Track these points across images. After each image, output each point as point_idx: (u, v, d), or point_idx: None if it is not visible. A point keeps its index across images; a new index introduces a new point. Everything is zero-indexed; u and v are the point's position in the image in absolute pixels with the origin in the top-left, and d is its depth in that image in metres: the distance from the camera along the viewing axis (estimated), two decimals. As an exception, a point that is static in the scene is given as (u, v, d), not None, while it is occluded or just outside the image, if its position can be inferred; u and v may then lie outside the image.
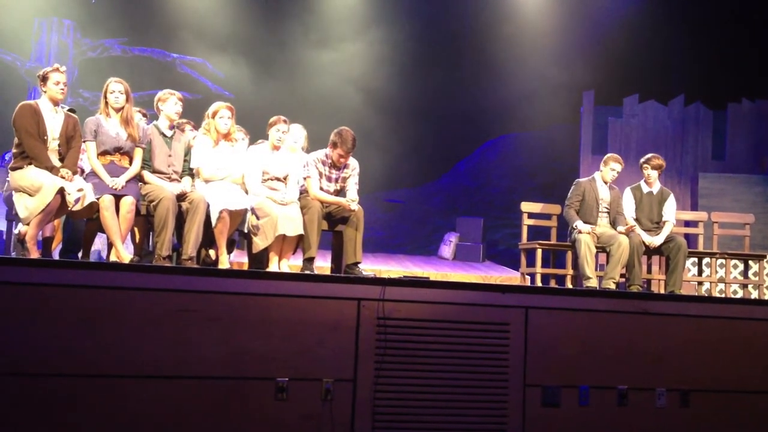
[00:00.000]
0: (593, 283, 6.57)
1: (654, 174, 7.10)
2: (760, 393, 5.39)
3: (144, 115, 6.35)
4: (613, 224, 6.93)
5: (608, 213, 6.99)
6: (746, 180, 11.28)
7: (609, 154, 7.17)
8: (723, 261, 7.85)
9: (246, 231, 6.03)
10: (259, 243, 5.71)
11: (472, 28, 15.08)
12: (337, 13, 14.17)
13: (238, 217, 5.73)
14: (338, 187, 6.11)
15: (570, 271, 7.27)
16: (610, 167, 7.00)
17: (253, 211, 5.78)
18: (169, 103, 5.81)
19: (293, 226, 5.71)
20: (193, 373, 4.44)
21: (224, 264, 5.64)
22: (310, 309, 4.64)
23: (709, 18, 13.70)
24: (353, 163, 6.14)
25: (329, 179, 6.05)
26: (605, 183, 7.03)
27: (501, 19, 14.10)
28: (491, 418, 4.88)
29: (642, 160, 7.23)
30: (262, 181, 5.92)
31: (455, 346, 4.86)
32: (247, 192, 6.11)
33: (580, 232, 6.71)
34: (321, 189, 6.00)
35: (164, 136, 5.79)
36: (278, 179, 5.96)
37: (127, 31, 13.95)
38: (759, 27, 13.27)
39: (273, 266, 5.71)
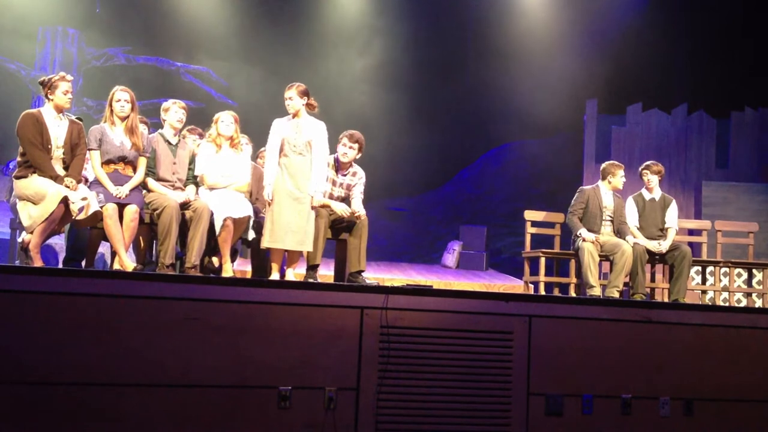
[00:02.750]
0: (597, 291, 6.56)
1: (655, 179, 7.09)
2: (764, 402, 5.37)
3: (145, 124, 6.37)
4: (618, 233, 6.92)
5: (612, 221, 6.98)
6: (750, 188, 11.26)
7: (609, 164, 7.12)
8: (727, 269, 7.83)
9: (249, 239, 6.03)
10: (263, 240, 5.65)
11: (475, 36, 15.11)
12: (340, 21, 14.21)
13: (241, 225, 5.74)
14: (343, 194, 6.11)
15: (573, 280, 7.27)
16: (620, 176, 7.00)
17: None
18: (172, 111, 5.85)
19: (298, 240, 5.57)
20: (196, 382, 4.44)
21: (228, 272, 5.65)
22: (313, 317, 4.65)
23: (712, 26, 13.71)
24: (360, 172, 6.15)
25: (333, 183, 6.06)
26: (616, 190, 7.02)
27: (504, 28, 14.12)
28: (494, 427, 4.86)
29: (641, 167, 7.22)
30: (281, 151, 5.64)
31: (458, 355, 4.85)
32: (251, 196, 6.10)
33: (584, 240, 6.70)
34: (327, 192, 5.99)
35: (169, 144, 5.82)
36: (301, 153, 5.64)
37: (131, 40, 13.99)
38: (762, 35, 13.26)
39: (275, 275, 5.70)
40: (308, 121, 5.72)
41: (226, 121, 5.93)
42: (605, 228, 6.94)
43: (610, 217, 6.97)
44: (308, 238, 5.61)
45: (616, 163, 7.11)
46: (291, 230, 5.55)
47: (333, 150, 6.07)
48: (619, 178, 7.00)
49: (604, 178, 7.06)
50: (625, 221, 6.97)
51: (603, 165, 7.15)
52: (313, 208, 5.65)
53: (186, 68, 14.31)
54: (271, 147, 5.67)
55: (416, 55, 15.21)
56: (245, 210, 5.66)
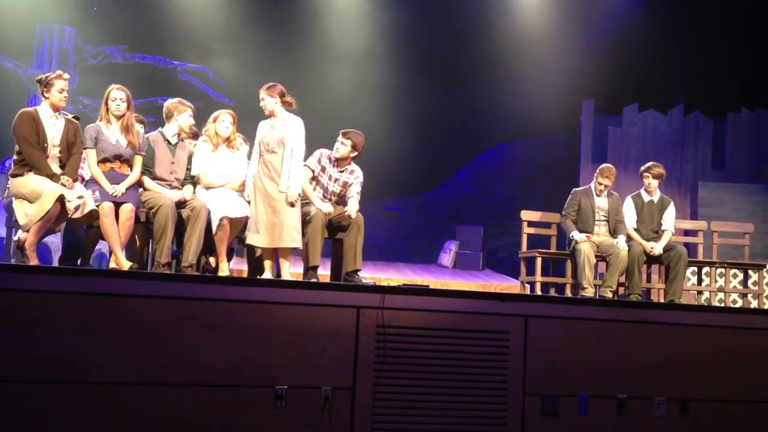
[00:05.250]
0: (589, 293, 6.55)
1: (654, 183, 7.08)
2: (759, 402, 5.38)
3: (142, 123, 6.36)
4: (613, 233, 6.92)
5: (607, 221, 6.97)
6: (746, 189, 11.27)
7: (602, 166, 7.10)
8: (722, 270, 7.84)
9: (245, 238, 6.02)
10: (250, 240, 5.68)
11: (473, 36, 15.12)
12: (337, 19, 14.20)
13: (238, 224, 5.73)
14: (339, 191, 6.10)
15: (569, 280, 7.27)
16: (598, 181, 6.98)
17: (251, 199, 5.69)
18: (185, 115, 5.89)
19: (272, 237, 5.57)
20: (192, 381, 4.44)
21: (224, 271, 5.64)
22: (309, 317, 4.65)
23: (709, 27, 13.72)
24: (357, 171, 6.14)
25: (330, 177, 6.06)
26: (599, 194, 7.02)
27: (501, 29, 14.12)
28: (490, 427, 4.87)
29: (642, 168, 7.21)
30: (260, 154, 5.71)
31: (454, 355, 4.86)
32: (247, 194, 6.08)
33: (577, 242, 6.71)
34: (323, 187, 6.00)
35: (168, 143, 5.82)
36: (273, 151, 5.66)
37: (127, 39, 13.95)
38: (758, 37, 13.28)
39: (267, 273, 5.69)
40: (283, 119, 5.74)
41: (225, 121, 5.96)
42: (600, 228, 6.94)
43: (605, 217, 6.97)
44: (285, 235, 5.55)
45: (606, 169, 6.99)
46: (264, 227, 5.58)
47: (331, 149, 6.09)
48: (595, 183, 6.98)
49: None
50: (622, 220, 6.96)
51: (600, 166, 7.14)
52: (291, 204, 5.58)
53: (183, 67, 14.27)
54: (255, 148, 5.78)
55: (414, 55, 15.20)
56: (243, 210, 5.66)
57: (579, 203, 6.97)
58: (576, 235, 6.76)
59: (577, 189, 7.23)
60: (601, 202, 6.98)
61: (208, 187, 5.85)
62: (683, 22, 13.78)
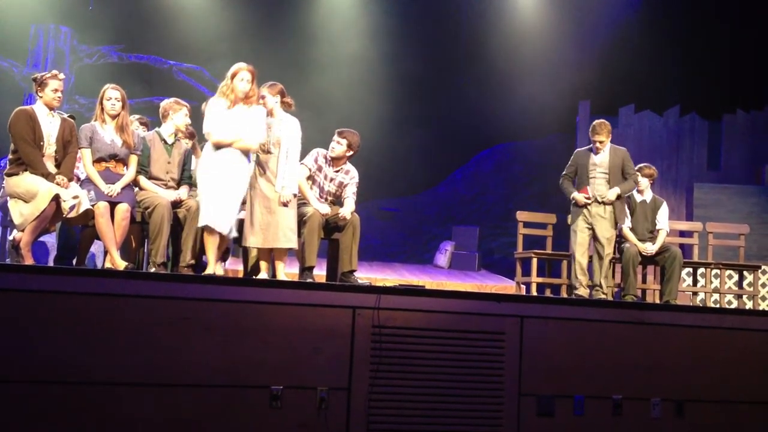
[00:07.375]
0: (582, 292, 6.53)
1: (645, 182, 7.09)
2: (754, 403, 5.39)
3: (145, 125, 6.35)
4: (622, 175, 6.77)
5: (606, 176, 6.74)
6: (741, 190, 11.30)
7: (594, 122, 6.93)
8: (718, 271, 7.86)
9: (231, 237, 5.93)
10: (245, 240, 5.64)
11: (469, 37, 15.12)
12: (335, 23, 14.20)
13: (221, 239, 5.60)
14: (335, 191, 6.09)
15: (565, 281, 7.28)
16: (592, 139, 6.83)
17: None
18: (180, 114, 5.90)
19: (266, 238, 5.51)
20: (188, 381, 4.43)
21: (210, 267, 5.46)
22: (305, 317, 4.64)
23: (705, 29, 13.75)
24: (353, 171, 6.14)
25: (326, 177, 6.06)
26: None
27: (497, 30, 14.13)
28: (486, 428, 4.87)
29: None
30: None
31: (450, 355, 4.86)
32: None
33: (576, 204, 6.66)
34: (319, 186, 6.00)
35: (165, 142, 5.82)
36: (268, 152, 5.57)
37: (123, 38, 13.92)
38: (754, 38, 13.31)
39: (263, 274, 5.67)
40: (280, 119, 5.69)
41: (245, 78, 5.46)
42: (596, 182, 6.74)
43: (604, 172, 6.74)
44: (281, 235, 5.50)
45: (599, 123, 6.83)
46: (259, 228, 5.54)
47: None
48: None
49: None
50: (631, 173, 6.80)
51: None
52: (285, 204, 5.51)
53: (179, 67, 14.24)
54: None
55: (410, 57, 15.20)
56: (225, 227, 5.37)
57: (576, 162, 6.87)
58: (576, 195, 6.69)
59: (579, 149, 7.14)
60: (598, 159, 6.80)
61: (217, 146, 5.42)
62: (679, 24, 13.80)
